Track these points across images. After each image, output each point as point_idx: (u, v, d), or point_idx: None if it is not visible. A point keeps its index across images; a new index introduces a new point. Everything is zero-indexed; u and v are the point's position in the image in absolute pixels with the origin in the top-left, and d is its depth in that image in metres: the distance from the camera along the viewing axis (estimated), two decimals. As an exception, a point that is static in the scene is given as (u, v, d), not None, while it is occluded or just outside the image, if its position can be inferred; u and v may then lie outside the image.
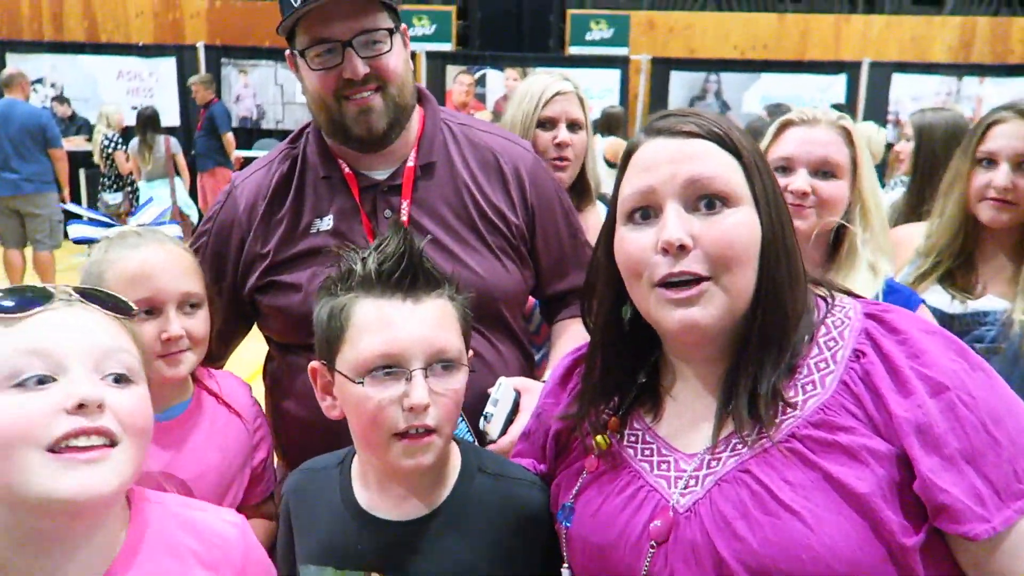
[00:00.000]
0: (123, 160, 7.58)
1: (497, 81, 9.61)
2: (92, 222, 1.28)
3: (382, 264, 0.98)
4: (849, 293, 1.00)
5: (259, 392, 1.52)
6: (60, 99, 9.30)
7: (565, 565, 0.99)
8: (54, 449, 0.78)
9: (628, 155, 0.96)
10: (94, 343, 0.85)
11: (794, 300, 0.92)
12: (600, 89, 9.15)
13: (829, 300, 0.96)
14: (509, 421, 1.28)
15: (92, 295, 0.90)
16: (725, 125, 0.93)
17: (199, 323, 1.29)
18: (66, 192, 6.59)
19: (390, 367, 0.97)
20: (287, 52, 1.46)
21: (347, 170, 1.46)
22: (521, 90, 2.00)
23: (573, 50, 9.98)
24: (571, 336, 1.59)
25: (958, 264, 1.76)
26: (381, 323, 0.97)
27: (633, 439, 0.99)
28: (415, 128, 1.49)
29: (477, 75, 9.48)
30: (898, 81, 9.38)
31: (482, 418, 1.24)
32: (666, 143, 0.92)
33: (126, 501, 0.93)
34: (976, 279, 1.75)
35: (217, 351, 1.50)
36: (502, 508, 1.04)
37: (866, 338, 0.90)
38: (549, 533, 1.03)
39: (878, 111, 9.08)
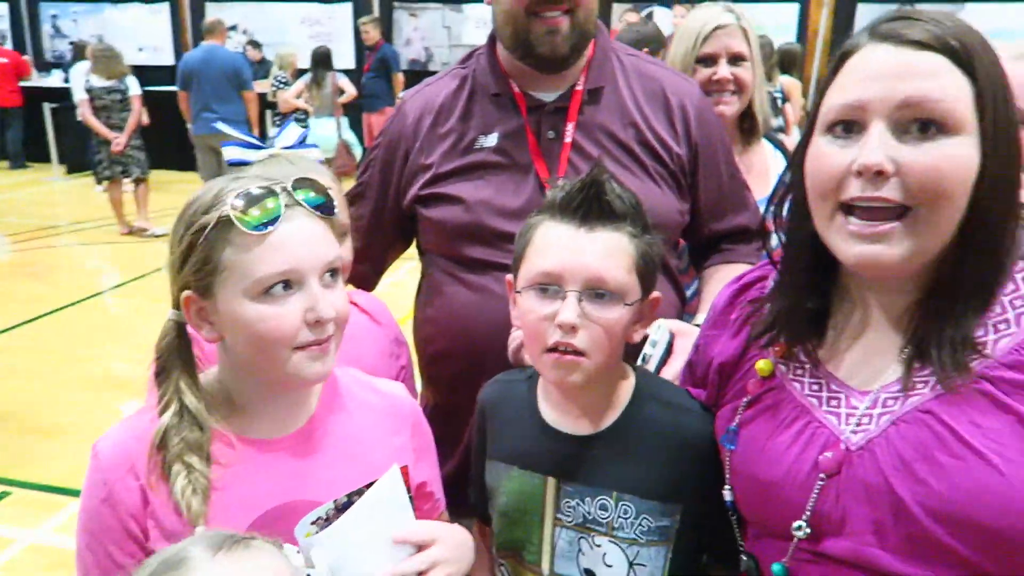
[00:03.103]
0: (283, 99, 8.05)
1: (665, 20, 9.25)
2: (244, 144, 1.33)
3: (568, 193, 1.07)
4: None
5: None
6: (254, 44, 10.03)
7: (728, 487, 1.01)
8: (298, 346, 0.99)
9: (844, 57, 0.86)
10: (321, 255, 0.98)
11: (1007, 242, 0.84)
12: (775, 25, 8.57)
13: None
14: (662, 363, 1.29)
15: (305, 190, 1.00)
16: (965, 37, 0.80)
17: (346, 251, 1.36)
18: (255, 131, 7.16)
19: (548, 284, 1.05)
20: None
21: (516, 90, 1.50)
22: (684, 26, 1.93)
23: (749, -16, 9.38)
24: (721, 280, 1.56)
25: None
26: (551, 244, 1.06)
27: (799, 372, 0.96)
28: (586, 54, 1.50)
29: (644, 13, 9.17)
30: None
31: (640, 359, 1.26)
32: (890, 52, 0.82)
33: None
34: None
35: (377, 263, 1.63)
36: (669, 436, 1.09)
37: None
38: (713, 463, 1.05)
39: (1110, 45, 7.87)
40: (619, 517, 1.07)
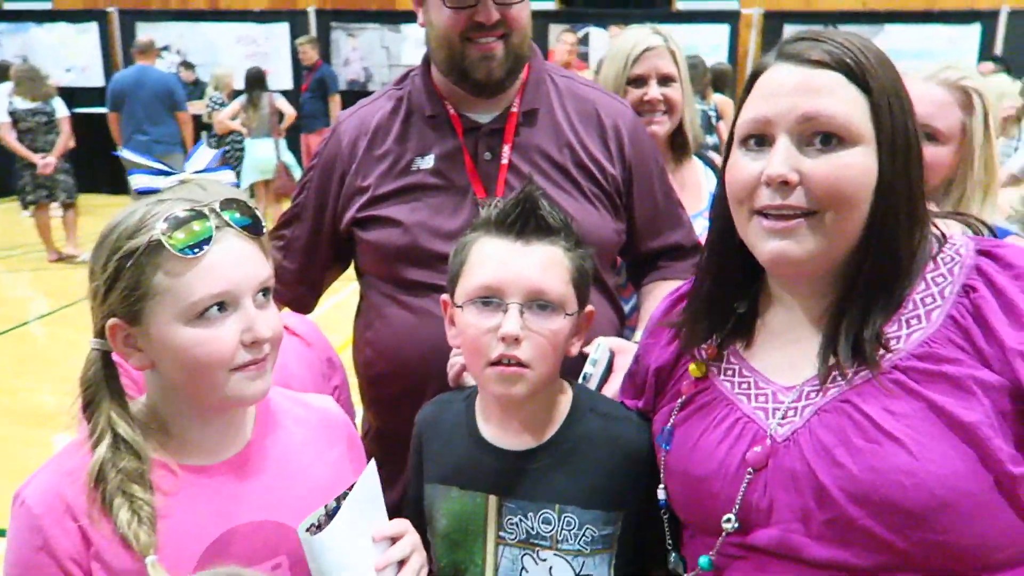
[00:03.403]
0: (219, 120, 7.84)
1: (601, 39, 9.43)
2: (151, 171, 1.23)
3: (503, 209, 1.09)
4: (969, 217, 0.99)
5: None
6: (186, 64, 9.83)
7: (661, 486, 1.04)
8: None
9: (755, 76, 0.94)
10: (253, 276, 0.98)
11: (909, 245, 0.90)
12: (708, 46, 8.83)
13: (941, 236, 0.95)
14: (603, 381, 1.31)
15: (233, 210, 0.99)
16: (861, 55, 0.88)
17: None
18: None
19: (490, 298, 1.06)
20: None
21: (452, 111, 1.51)
22: (612, 48, 1.98)
23: (680, 5, 9.65)
24: (658, 296, 1.60)
25: None
26: (490, 258, 1.08)
27: (730, 372, 1.01)
28: (521, 76, 1.52)
29: (581, 33, 9.33)
30: (1042, 30, 8.59)
31: (580, 377, 1.29)
32: (792, 71, 0.89)
33: None
34: None
35: (314, 285, 1.62)
36: (608, 446, 1.11)
37: (978, 274, 0.89)
38: (651, 468, 1.08)
39: (1018, 64, 8.34)
40: (563, 529, 1.08)
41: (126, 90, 6.60)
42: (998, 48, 8.56)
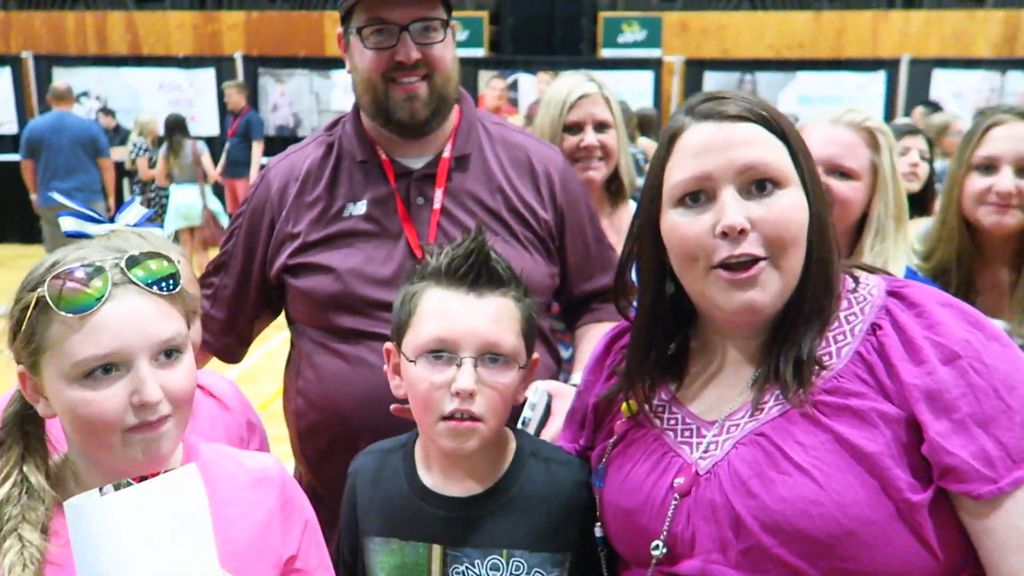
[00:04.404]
0: (143, 166, 7.69)
1: (530, 85, 9.64)
2: (82, 216, 1.22)
3: (453, 259, 1.07)
4: (878, 271, 1.04)
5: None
6: (106, 111, 9.57)
7: (598, 524, 1.06)
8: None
9: (673, 138, 0.97)
10: (152, 335, 0.93)
11: (836, 274, 0.97)
12: (633, 91, 9.12)
13: (855, 278, 1.00)
14: (542, 425, 1.31)
15: (140, 267, 0.95)
16: (767, 108, 0.96)
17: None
18: (111, 201, 6.78)
19: (443, 352, 1.05)
20: (338, 31, 1.51)
21: (384, 157, 1.51)
22: (547, 95, 2.02)
23: (605, 53, 9.96)
24: (592, 338, 1.61)
25: (960, 279, 1.67)
26: (442, 311, 1.06)
27: (659, 409, 1.04)
28: (452, 122, 1.54)
29: (510, 80, 9.52)
30: (939, 77, 9.19)
31: (519, 422, 1.28)
32: (716, 128, 0.94)
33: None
34: (974, 296, 1.66)
35: (243, 334, 1.58)
36: (551, 489, 1.11)
37: (885, 314, 0.94)
38: (593, 509, 1.09)
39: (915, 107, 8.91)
40: (511, 574, 1.07)
41: (43, 137, 6.36)
42: (901, 93, 9.12)
